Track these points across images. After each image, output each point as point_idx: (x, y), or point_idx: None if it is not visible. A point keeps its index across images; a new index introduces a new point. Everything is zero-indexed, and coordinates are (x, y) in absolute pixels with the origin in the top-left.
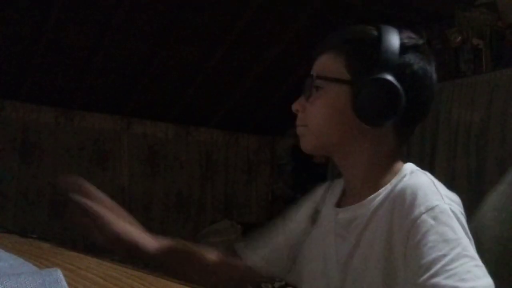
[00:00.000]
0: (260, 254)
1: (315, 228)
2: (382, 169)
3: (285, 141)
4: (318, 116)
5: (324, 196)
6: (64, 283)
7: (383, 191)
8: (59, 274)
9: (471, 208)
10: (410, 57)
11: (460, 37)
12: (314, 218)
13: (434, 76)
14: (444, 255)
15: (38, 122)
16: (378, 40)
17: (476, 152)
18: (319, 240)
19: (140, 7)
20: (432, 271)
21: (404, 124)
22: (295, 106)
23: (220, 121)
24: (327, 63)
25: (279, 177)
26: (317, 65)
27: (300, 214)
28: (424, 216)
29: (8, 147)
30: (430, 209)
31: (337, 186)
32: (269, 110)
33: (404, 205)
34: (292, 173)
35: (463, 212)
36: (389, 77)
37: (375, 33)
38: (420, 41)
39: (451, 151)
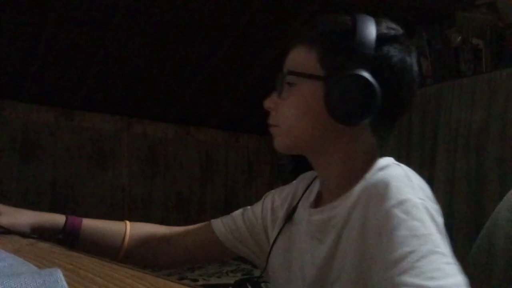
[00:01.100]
0: (226, 225)
1: (291, 226)
2: (358, 168)
3: None
4: (290, 115)
5: (304, 191)
6: (64, 283)
7: (357, 188)
8: (59, 274)
9: (471, 207)
10: (388, 49)
11: (460, 37)
12: (290, 214)
13: (415, 68)
14: (413, 251)
15: (38, 122)
16: (353, 32)
17: (476, 152)
18: (295, 241)
19: (140, 7)
20: (399, 268)
21: (382, 121)
22: (266, 104)
23: (220, 121)
24: (300, 57)
25: (279, 177)
26: (290, 60)
27: (271, 204)
28: (395, 210)
29: (8, 147)
30: (401, 202)
31: (316, 185)
32: None
33: (376, 198)
34: (292, 173)
35: (437, 210)
36: (364, 73)
37: (349, 23)
38: (400, 32)
39: (451, 151)
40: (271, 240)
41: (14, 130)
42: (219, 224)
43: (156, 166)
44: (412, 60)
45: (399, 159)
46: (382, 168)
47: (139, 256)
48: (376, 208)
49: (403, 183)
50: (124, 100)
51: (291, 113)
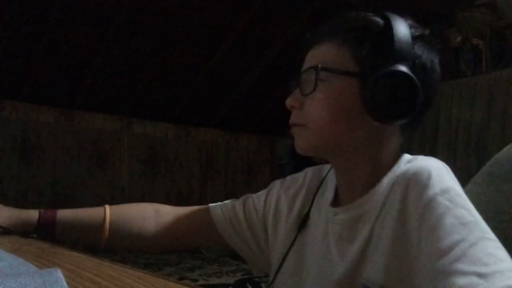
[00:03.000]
0: (225, 213)
1: (304, 230)
2: (385, 166)
3: (285, 141)
4: (321, 113)
5: (315, 192)
6: (64, 283)
7: (385, 181)
8: (59, 274)
9: None
10: (419, 48)
11: (460, 37)
12: (301, 225)
13: (439, 68)
14: (463, 239)
15: (38, 122)
16: (389, 29)
17: (476, 152)
18: (309, 245)
19: (140, 7)
20: (451, 256)
21: (411, 119)
22: (290, 102)
23: (220, 121)
24: (330, 53)
25: (279, 177)
26: (317, 56)
27: (275, 202)
28: (439, 198)
29: (8, 147)
30: (445, 190)
31: (330, 182)
32: (269, 110)
33: (418, 187)
34: (292, 173)
35: None
36: (406, 69)
37: (382, 20)
38: (426, 31)
39: (451, 151)
40: (272, 241)
41: (14, 130)
42: (218, 211)
43: (156, 166)
44: (437, 60)
45: None
46: (410, 160)
47: (122, 240)
48: (418, 197)
49: (443, 171)
50: (124, 100)
51: (322, 111)
